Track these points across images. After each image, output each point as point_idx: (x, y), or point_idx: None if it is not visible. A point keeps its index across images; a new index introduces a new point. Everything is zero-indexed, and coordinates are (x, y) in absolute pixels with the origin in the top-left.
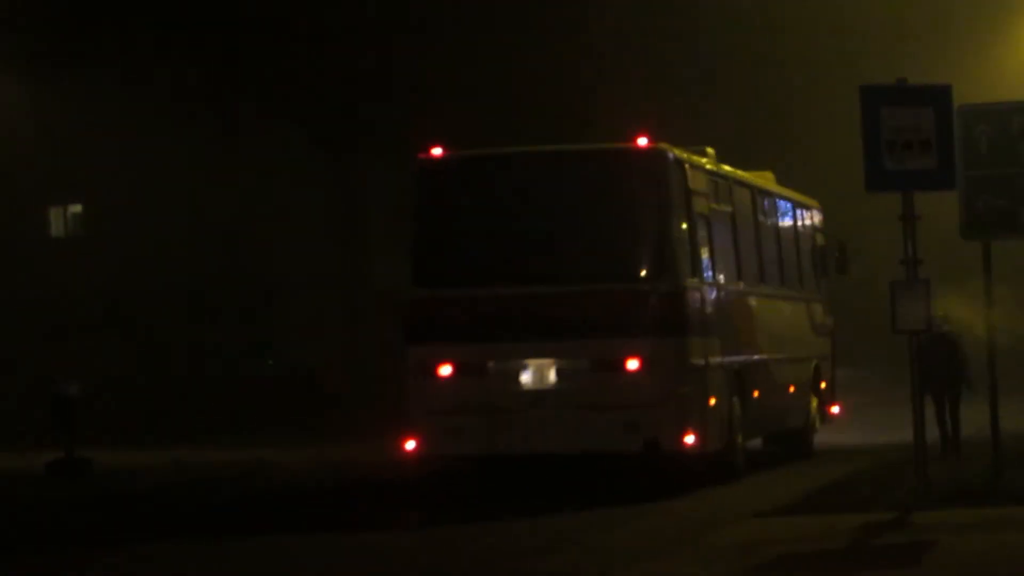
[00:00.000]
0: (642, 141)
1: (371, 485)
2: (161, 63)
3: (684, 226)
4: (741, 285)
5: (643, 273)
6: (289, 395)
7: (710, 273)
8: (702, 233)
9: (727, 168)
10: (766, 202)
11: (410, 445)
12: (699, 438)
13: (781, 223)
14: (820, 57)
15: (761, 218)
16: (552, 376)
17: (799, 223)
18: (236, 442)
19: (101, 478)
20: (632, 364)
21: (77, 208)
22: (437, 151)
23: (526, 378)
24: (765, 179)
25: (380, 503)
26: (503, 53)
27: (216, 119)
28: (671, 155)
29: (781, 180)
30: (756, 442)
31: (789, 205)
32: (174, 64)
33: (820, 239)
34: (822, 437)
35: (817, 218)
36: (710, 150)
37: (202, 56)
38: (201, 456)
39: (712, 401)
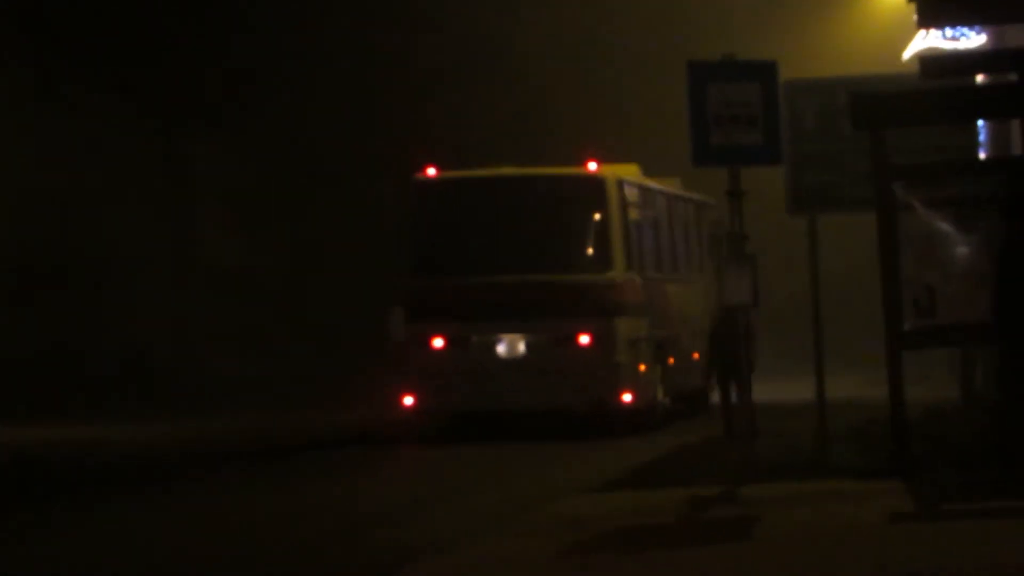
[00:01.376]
0: (592, 166)
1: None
2: None
3: (621, 231)
4: (660, 274)
5: (592, 268)
6: (118, 372)
7: (640, 266)
8: (634, 235)
9: (648, 180)
10: (676, 205)
11: (408, 401)
12: (634, 397)
13: (687, 221)
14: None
15: (673, 218)
16: (522, 348)
17: (700, 219)
18: (60, 419)
19: None
20: (584, 339)
21: None
22: (431, 171)
23: (501, 349)
24: (629, 171)
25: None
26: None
27: (42, 87)
28: (613, 177)
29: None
30: None
31: (692, 205)
32: None
33: (718, 231)
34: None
35: (714, 213)
36: (636, 167)
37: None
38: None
39: (642, 368)
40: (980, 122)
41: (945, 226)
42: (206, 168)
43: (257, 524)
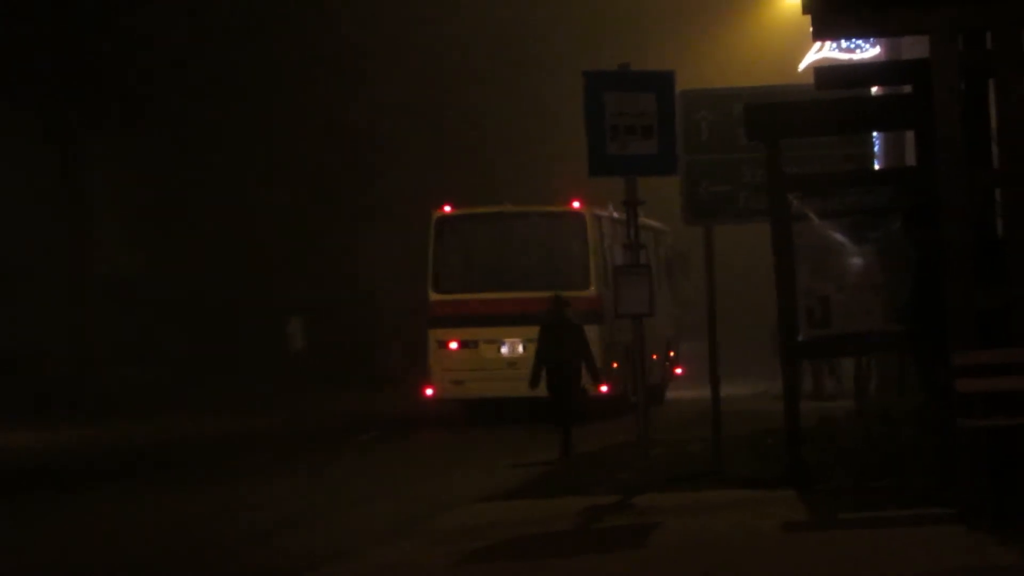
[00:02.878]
0: (576, 204)
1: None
2: None
3: (598, 255)
4: None
5: (574, 285)
6: (12, 380)
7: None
8: (608, 257)
9: (616, 213)
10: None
11: (429, 392)
12: (609, 388)
13: (649, 244)
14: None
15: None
16: (520, 348)
17: (658, 243)
18: None
19: None
20: None
21: None
22: (448, 208)
23: (504, 350)
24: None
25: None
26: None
27: None
28: (592, 213)
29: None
30: None
31: (652, 233)
32: None
33: (671, 252)
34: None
35: (669, 239)
36: (610, 205)
37: None
38: None
39: (615, 365)
40: (875, 133)
41: (839, 236)
42: (104, 178)
43: (153, 531)
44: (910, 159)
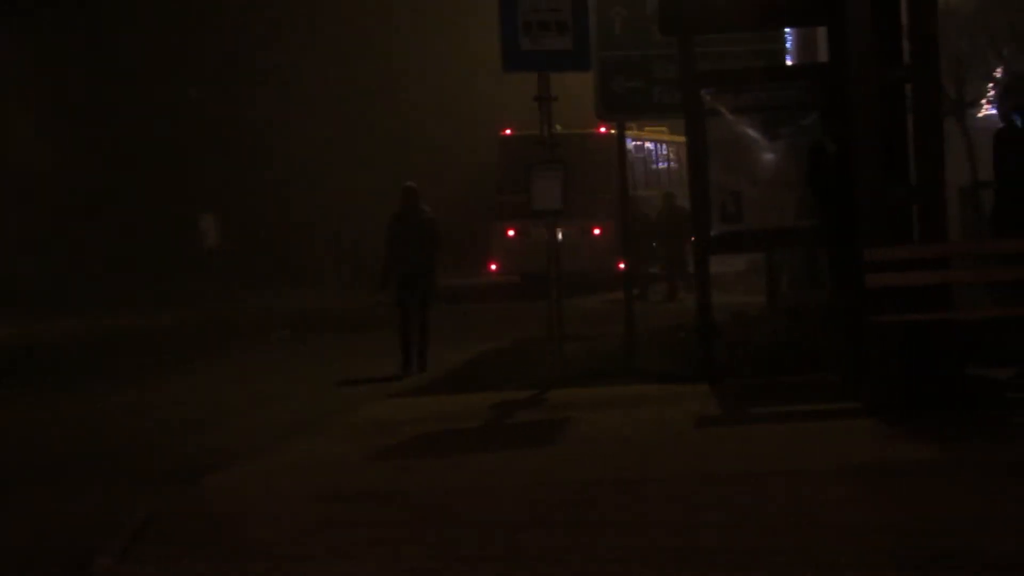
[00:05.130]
0: (602, 129)
1: None
2: None
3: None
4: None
5: (602, 189)
6: None
7: (632, 187)
8: (630, 169)
9: (642, 133)
10: (658, 146)
11: (493, 267)
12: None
13: (667, 156)
14: None
15: (655, 156)
16: (560, 235)
17: (679, 154)
18: None
19: None
20: (596, 231)
21: None
22: (508, 131)
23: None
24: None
25: None
26: None
27: None
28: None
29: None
30: None
31: (675, 146)
32: None
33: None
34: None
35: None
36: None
37: None
38: None
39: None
40: (787, 30)
41: (752, 132)
42: (13, 70)
43: (59, 431)
44: (822, 56)
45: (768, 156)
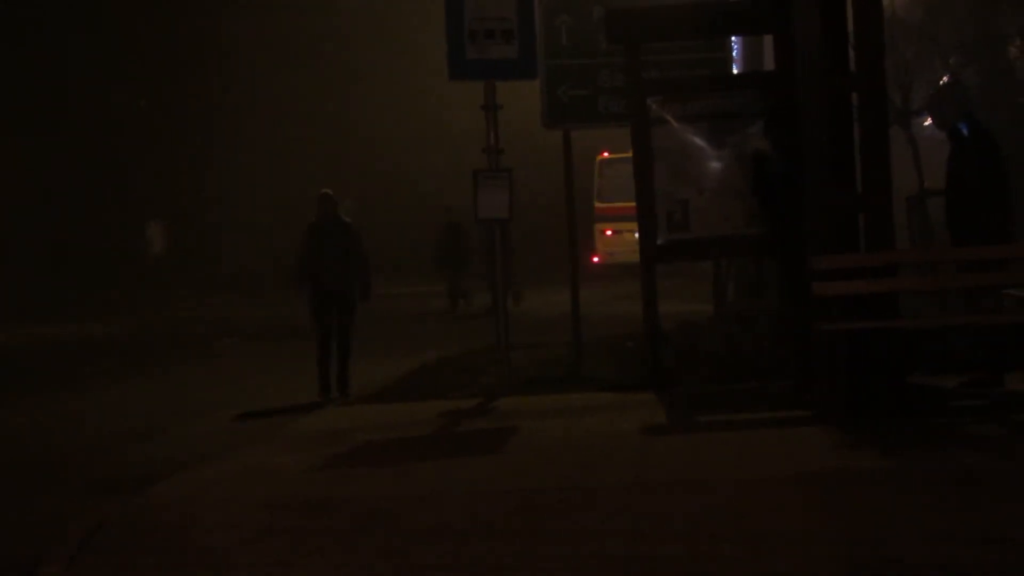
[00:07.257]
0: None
1: None
2: None
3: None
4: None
5: None
6: None
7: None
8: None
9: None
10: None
11: (595, 259)
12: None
13: None
14: None
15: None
16: None
17: None
18: None
19: None
20: None
21: None
22: (606, 154)
23: (636, 235)
24: None
25: None
26: None
27: None
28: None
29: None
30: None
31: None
32: None
33: None
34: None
35: None
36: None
37: None
38: None
39: None
40: (734, 38)
41: (698, 140)
42: None
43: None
44: (769, 65)
45: (715, 164)
